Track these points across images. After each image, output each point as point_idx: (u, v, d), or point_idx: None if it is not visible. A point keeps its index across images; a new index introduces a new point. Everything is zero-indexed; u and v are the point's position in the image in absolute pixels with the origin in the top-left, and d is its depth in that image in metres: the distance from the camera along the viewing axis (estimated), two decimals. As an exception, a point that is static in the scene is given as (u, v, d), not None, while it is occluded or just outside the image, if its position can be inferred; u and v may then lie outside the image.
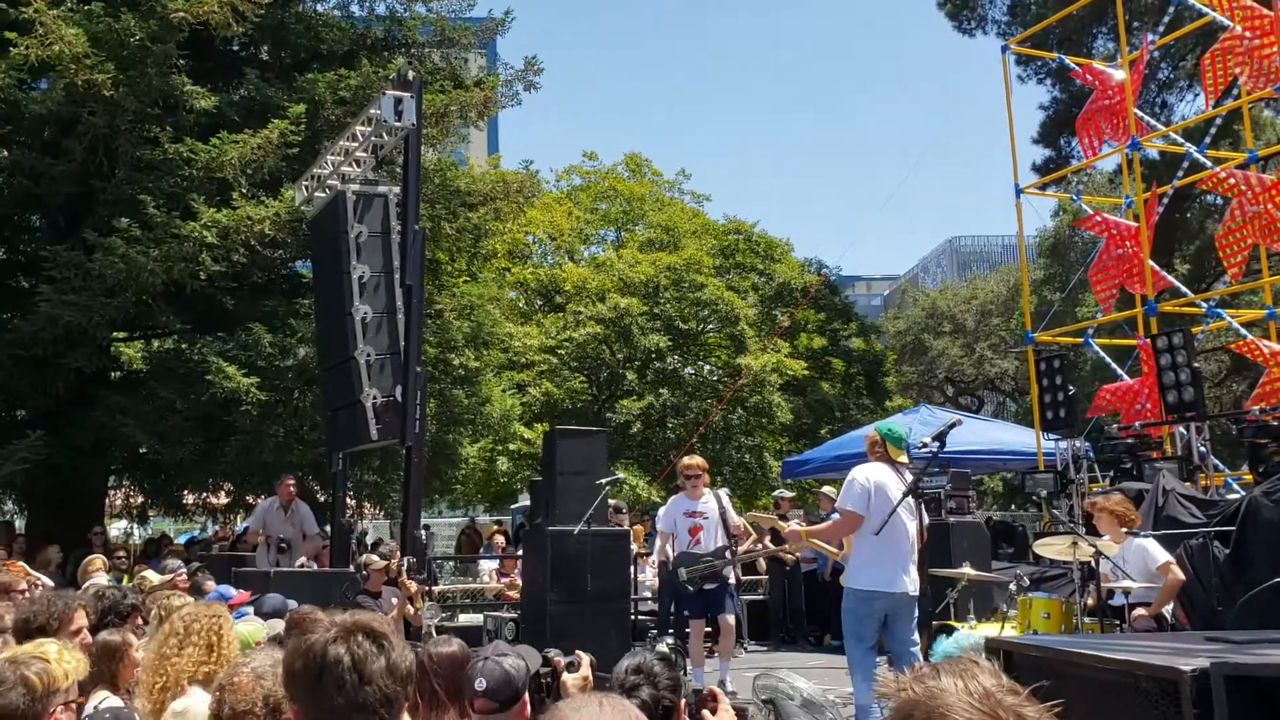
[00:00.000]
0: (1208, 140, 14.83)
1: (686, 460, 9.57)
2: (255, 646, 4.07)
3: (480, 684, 3.08)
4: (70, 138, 13.09)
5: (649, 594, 12.59)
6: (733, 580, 9.36)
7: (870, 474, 6.76)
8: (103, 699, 4.10)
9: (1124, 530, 7.55)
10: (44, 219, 15.00)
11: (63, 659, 3.02)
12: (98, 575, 9.15)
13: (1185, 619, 8.20)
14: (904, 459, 7.02)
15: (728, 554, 9.02)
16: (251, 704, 2.70)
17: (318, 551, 11.54)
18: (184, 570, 8.69)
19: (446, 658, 3.70)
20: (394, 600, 9.53)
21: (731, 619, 9.28)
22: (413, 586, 9.25)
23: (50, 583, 8.66)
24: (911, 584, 6.63)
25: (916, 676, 1.69)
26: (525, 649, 3.36)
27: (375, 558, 9.81)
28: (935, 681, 1.65)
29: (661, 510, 9.66)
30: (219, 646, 3.61)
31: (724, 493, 9.56)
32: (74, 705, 2.94)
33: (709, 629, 9.62)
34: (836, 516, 13.86)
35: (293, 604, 6.28)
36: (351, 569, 10.68)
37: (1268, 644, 2.83)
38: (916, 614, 6.63)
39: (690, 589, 8.88)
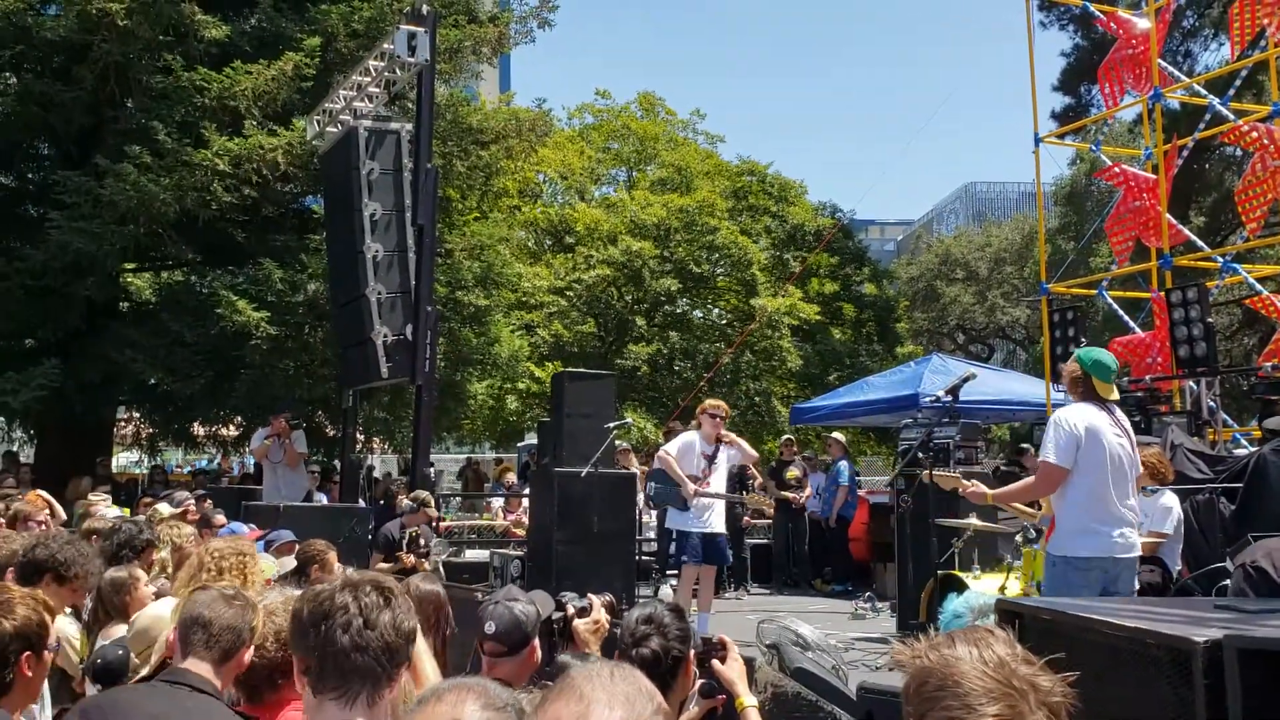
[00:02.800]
0: (1231, 92, 14.59)
1: (715, 401, 9.28)
2: (265, 584, 4.11)
3: (490, 627, 3.11)
4: (81, 65, 12.96)
5: (653, 535, 12.69)
6: (721, 529, 9.10)
7: (1078, 417, 5.54)
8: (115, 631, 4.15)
9: (1152, 485, 7.54)
10: (54, 148, 14.92)
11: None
12: (106, 509, 9.19)
13: (1188, 574, 8.25)
14: (1115, 396, 5.78)
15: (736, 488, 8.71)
16: (263, 639, 2.74)
17: (283, 432, 11.51)
18: (192, 500, 8.76)
19: (429, 595, 3.75)
20: (421, 541, 9.60)
21: (712, 569, 9.10)
22: (409, 561, 8.95)
23: (64, 515, 8.72)
24: (1136, 545, 5.56)
25: (931, 644, 1.69)
26: (539, 594, 3.39)
27: (423, 497, 9.87)
28: (950, 650, 1.66)
29: (674, 444, 9.16)
30: (247, 581, 3.67)
31: (726, 446, 9.17)
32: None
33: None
34: (844, 466, 13.79)
35: (286, 534, 6.31)
36: (362, 504, 10.78)
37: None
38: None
39: (652, 504, 8.76)
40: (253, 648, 2.83)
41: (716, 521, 8.95)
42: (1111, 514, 5.49)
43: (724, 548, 9.11)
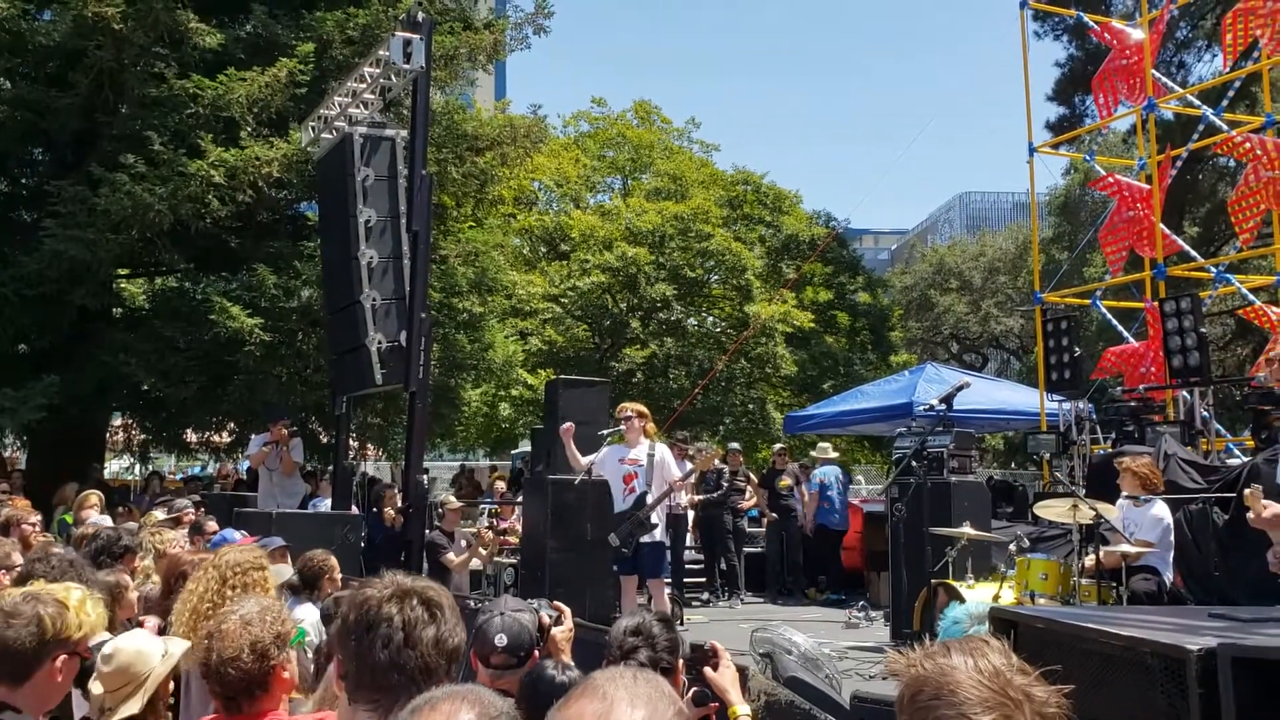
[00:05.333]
0: (1225, 103, 14.64)
1: (625, 404, 9.02)
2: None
3: (501, 640, 3.01)
4: (76, 71, 12.93)
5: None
6: (662, 539, 8.81)
7: None
8: (102, 639, 4.10)
9: (1143, 494, 7.54)
10: (48, 153, 14.88)
11: (83, 609, 2.96)
12: (93, 512, 9.16)
13: (1182, 584, 8.25)
14: None
15: (647, 500, 8.52)
16: (238, 651, 2.68)
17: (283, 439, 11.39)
18: (192, 509, 8.72)
19: None
20: (463, 543, 10.27)
21: (660, 582, 8.82)
22: (489, 536, 10.04)
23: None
24: None
25: (926, 654, 1.68)
26: (511, 600, 3.34)
27: (452, 498, 10.29)
28: (945, 659, 1.65)
29: (597, 458, 8.88)
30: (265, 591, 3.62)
31: (663, 448, 9.04)
32: (78, 656, 2.91)
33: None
34: (817, 474, 13.72)
35: (276, 540, 6.27)
36: (355, 511, 10.75)
37: (1274, 623, 2.83)
38: None
39: (626, 551, 8.47)
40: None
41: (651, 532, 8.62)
42: None
43: (648, 562, 8.71)
